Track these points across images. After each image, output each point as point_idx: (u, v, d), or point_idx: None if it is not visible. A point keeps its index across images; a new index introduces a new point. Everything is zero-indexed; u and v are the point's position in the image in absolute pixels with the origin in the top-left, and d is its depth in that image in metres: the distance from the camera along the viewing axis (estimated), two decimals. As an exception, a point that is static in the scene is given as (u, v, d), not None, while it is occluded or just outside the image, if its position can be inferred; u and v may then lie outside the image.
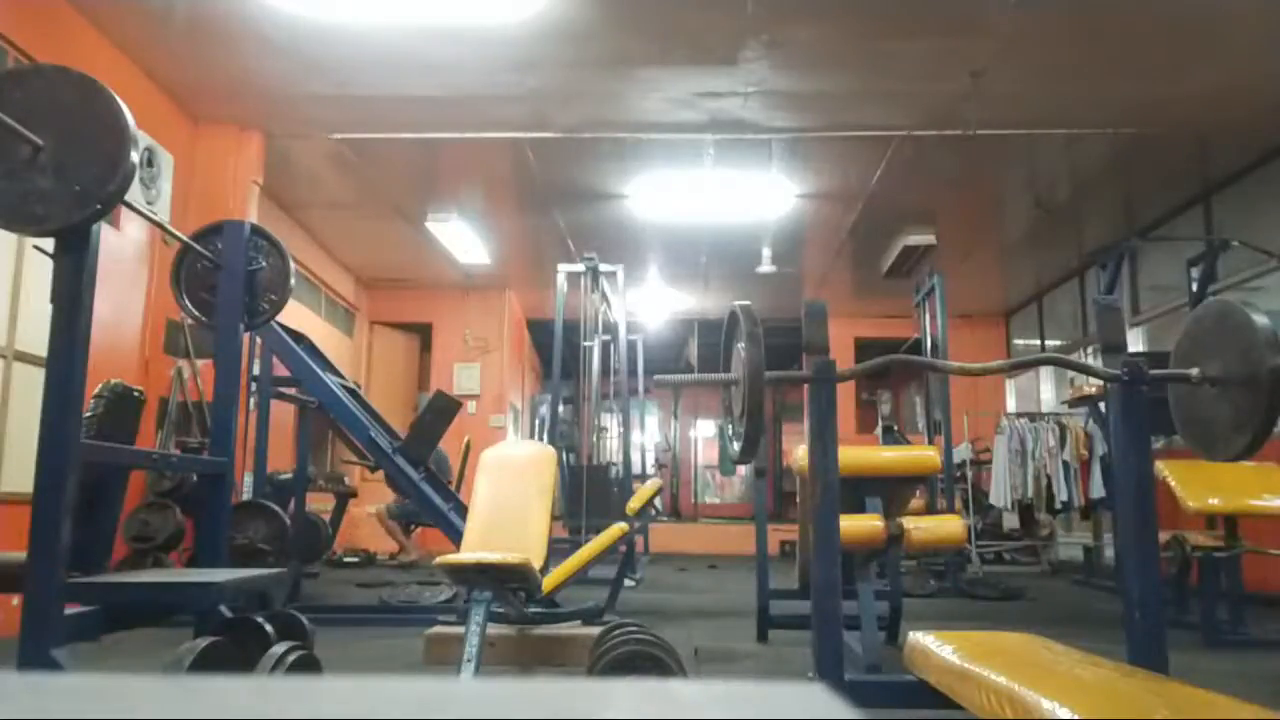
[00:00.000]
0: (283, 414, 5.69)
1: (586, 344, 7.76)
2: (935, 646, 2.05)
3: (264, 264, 3.18)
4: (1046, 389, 10.21)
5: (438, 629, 3.64)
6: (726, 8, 4.47)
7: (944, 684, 1.94)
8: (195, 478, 4.35)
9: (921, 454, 3.64)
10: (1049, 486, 7.23)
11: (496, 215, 8.00)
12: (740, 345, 2.19)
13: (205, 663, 2.13)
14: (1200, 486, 3.98)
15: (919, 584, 5.92)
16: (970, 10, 4.50)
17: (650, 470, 12.01)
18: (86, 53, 4.68)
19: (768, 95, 5.44)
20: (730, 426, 2.37)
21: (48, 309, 2.13)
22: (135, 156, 2.10)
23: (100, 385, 2.67)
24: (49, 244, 2.16)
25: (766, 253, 8.37)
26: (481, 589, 2.96)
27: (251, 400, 5.34)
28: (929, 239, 7.84)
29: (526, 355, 12.65)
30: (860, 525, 3.14)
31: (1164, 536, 4.19)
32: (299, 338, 4.80)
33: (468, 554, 3.08)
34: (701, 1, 4.48)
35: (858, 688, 2.24)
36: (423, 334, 10.96)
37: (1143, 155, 6.22)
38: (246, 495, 5.22)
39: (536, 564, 3.13)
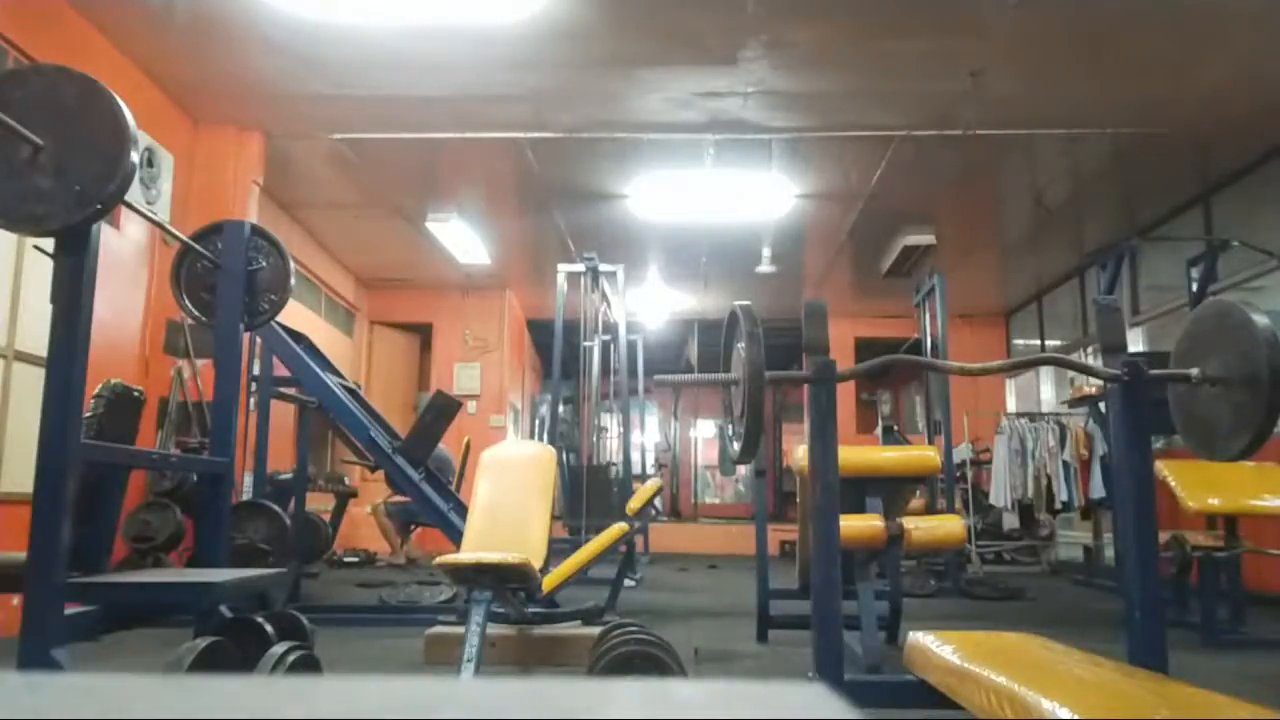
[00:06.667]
0: (283, 414, 5.69)
1: (586, 344, 7.77)
2: (935, 646, 2.05)
3: (264, 264, 3.18)
4: (1046, 389, 10.21)
5: (438, 629, 3.64)
6: (726, 8, 4.47)
7: (944, 684, 1.94)
8: (195, 478, 4.35)
9: (921, 454, 3.64)
10: (1049, 486, 7.24)
11: (496, 215, 8.00)
12: (740, 345, 2.18)
13: (205, 663, 2.13)
14: (1200, 486, 3.98)
15: (919, 584, 5.92)
16: (970, 10, 4.50)
17: (650, 470, 12.00)
18: (86, 53, 4.68)
19: (768, 95, 5.44)
20: (730, 426, 2.37)
21: (48, 309, 2.13)
22: (135, 156, 2.10)
23: (100, 385, 2.67)
24: (49, 244, 2.15)
25: (766, 253, 8.38)
26: (481, 589, 2.96)
27: (251, 400, 5.34)
28: (929, 239, 7.83)
29: (526, 355, 12.64)
30: (860, 525, 3.14)
31: (1164, 536, 4.19)
32: (299, 338, 4.80)
33: (467, 554, 3.09)
34: (701, 1, 4.48)
35: (858, 688, 2.24)
36: (423, 334, 10.97)
37: (1143, 155, 6.21)
38: (246, 495, 5.22)
39: (536, 564, 3.13)
